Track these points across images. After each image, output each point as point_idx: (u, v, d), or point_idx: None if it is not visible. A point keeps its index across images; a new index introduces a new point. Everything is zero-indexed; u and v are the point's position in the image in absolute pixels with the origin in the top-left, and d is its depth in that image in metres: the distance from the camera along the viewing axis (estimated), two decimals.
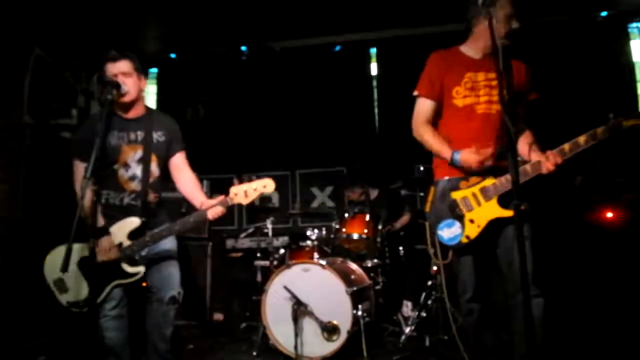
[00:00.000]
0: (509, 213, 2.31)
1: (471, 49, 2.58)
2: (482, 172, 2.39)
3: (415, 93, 2.64)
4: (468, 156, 2.37)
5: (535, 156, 2.40)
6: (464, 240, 2.40)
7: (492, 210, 2.37)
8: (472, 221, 2.39)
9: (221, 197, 2.65)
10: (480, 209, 2.39)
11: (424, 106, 2.61)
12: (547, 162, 2.32)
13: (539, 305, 2.31)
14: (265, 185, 2.65)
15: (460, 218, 2.42)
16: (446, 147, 2.47)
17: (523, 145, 2.53)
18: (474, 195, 2.42)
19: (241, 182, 2.67)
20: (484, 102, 2.49)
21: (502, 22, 2.39)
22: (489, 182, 2.40)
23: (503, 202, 2.36)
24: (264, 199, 5.99)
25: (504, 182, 2.34)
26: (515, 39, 2.46)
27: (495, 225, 2.38)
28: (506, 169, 2.32)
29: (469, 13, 2.54)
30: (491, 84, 2.49)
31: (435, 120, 2.62)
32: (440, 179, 2.54)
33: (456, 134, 2.52)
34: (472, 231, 2.39)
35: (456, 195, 2.45)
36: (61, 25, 4.76)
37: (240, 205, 2.69)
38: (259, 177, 2.70)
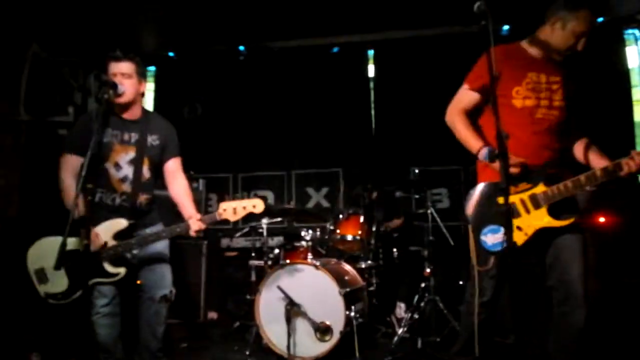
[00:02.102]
0: (559, 223, 2.28)
1: (534, 47, 2.49)
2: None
3: (466, 86, 2.54)
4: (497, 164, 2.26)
5: (597, 160, 2.37)
6: None
7: (541, 218, 2.29)
8: (519, 228, 2.31)
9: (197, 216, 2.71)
10: (529, 216, 2.31)
11: (467, 96, 2.53)
12: (632, 162, 2.17)
13: (584, 315, 2.28)
14: (254, 205, 2.67)
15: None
16: (476, 139, 2.40)
17: (580, 150, 2.48)
18: (523, 201, 2.33)
19: (233, 198, 2.71)
20: (544, 106, 2.42)
21: (569, 35, 2.36)
22: (539, 189, 2.31)
23: (553, 211, 2.29)
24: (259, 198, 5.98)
25: (556, 191, 2.26)
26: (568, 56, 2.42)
27: (542, 235, 2.31)
28: (559, 178, 2.28)
29: (549, 9, 2.44)
30: (552, 87, 2.43)
31: (474, 117, 2.56)
32: (486, 182, 2.46)
33: (514, 137, 2.34)
34: (519, 239, 2.31)
35: (503, 200, 2.38)
36: (59, 22, 4.76)
37: (234, 196, 2.73)
38: (248, 197, 2.72)
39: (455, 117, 2.53)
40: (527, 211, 2.33)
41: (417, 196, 4.87)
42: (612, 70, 5.58)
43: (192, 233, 2.66)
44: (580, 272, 2.30)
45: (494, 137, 2.14)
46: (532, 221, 2.31)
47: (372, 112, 6.19)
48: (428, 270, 4.21)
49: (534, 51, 2.48)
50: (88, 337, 2.76)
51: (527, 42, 2.52)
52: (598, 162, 2.37)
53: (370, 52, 6.29)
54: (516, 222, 2.33)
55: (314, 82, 6.23)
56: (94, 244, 2.60)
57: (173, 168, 2.94)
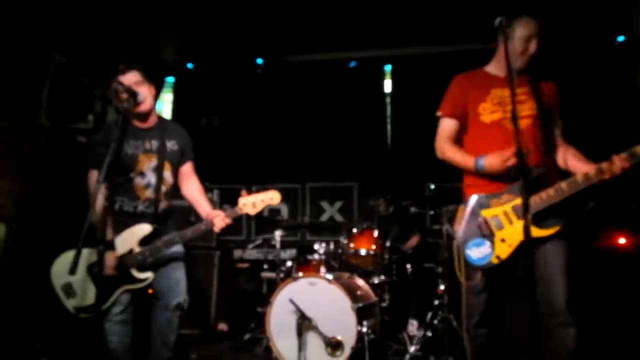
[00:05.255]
0: (543, 232, 2.28)
1: (495, 68, 2.59)
2: (510, 174, 2.29)
3: (438, 114, 2.65)
4: (492, 160, 2.33)
5: (580, 165, 2.37)
6: (495, 260, 2.32)
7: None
8: (503, 240, 2.32)
9: (219, 212, 2.76)
10: (512, 227, 2.31)
11: (446, 126, 2.61)
12: (613, 168, 2.20)
13: (572, 334, 2.22)
14: (272, 197, 2.75)
15: (490, 237, 2.34)
16: (469, 157, 2.45)
17: (562, 158, 2.50)
18: (505, 213, 2.33)
19: (249, 193, 2.74)
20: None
21: (519, 43, 2.42)
22: (521, 200, 2.33)
23: (537, 221, 2.28)
24: (272, 211, 6.00)
25: (538, 200, 2.27)
26: (538, 60, 2.48)
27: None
28: (539, 187, 2.29)
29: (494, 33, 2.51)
30: (519, 99, 2.45)
31: (459, 140, 2.62)
32: (471, 197, 2.47)
33: (485, 150, 2.45)
34: (504, 251, 2.31)
35: (487, 213, 2.37)
36: (81, 32, 4.86)
37: (248, 216, 2.75)
38: (265, 189, 2.78)
39: (443, 147, 2.59)
40: (510, 222, 2.33)
41: (432, 212, 4.83)
42: (633, 88, 5.52)
43: (216, 229, 2.72)
44: (562, 289, 2.26)
45: (484, 153, 2.35)
46: (516, 232, 2.30)
47: (388, 127, 6.18)
48: (442, 287, 4.15)
49: (495, 71, 2.57)
50: (98, 344, 2.75)
51: (489, 65, 2.62)
52: (581, 167, 2.37)
53: (388, 67, 6.30)
54: (500, 234, 2.34)
55: (330, 96, 6.24)
56: (109, 269, 2.61)
57: (188, 171, 3.01)
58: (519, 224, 2.29)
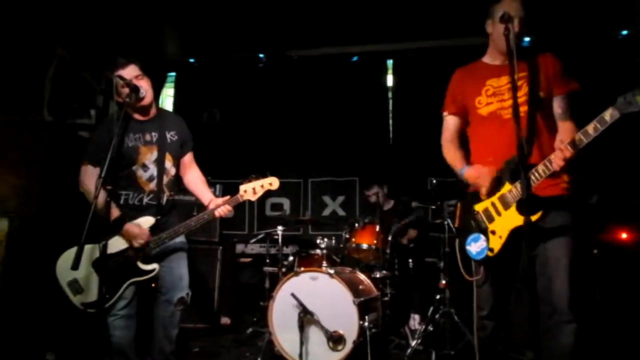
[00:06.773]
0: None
1: (490, 56, 2.57)
2: (509, 166, 2.27)
3: (443, 112, 2.70)
4: (470, 172, 2.40)
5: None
6: (489, 253, 2.31)
7: (512, 218, 2.24)
8: (493, 233, 2.31)
9: (226, 198, 2.83)
10: (501, 218, 2.29)
11: (447, 123, 2.67)
12: (556, 157, 2.15)
13: (571, 330, 2.20)
14: (271, 183, 2.82)
15: (484, 231, 2.35)
16: (458, 163, 2.51)
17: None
18: (494, 205, 2.33)
19: (249, 180, 2.80)
20: (509, 106, 2.35)
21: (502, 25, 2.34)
22: (506, 188, 2.29)
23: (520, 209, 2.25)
24: (275, 205, 6.01)
25: (519, 187, 2.20)
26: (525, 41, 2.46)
27: (520, 236, 2.21)
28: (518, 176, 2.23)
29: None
30: (516, 85, 2.37)
31: (464, 135, 2.65)
32: (468, 192, 2.50)
33: (485, 142, 2.49)
34: (495, 243, 2.30)
35: (478, 207, 2.39)
36: (84, 26, 4.86)
37: (250, 208, 2.78)
38: (264, 175, 2.84)
39: (443, 148, 2.66)
40: (499, 213, 2.31)
41: (433, 207, 4.83)
42: (636, 82, 5.49)
43: (217, 214, 2.77)
44: (564, 286, 2.23)
45: (481, 155, 2.45)
46: (505, 223, 2.28)
47: (390, 121, 6.18)
48: (443, 282, 4.16)
49: (491, 60, 2.56)
50: (102, 338, 2.76)
51: (485, 55, 2.60)
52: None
53: (390, 62, 6.28)
54: (491, 226, 2.33)
55: (332, 90, 6.23)
56: (142, 237, 2.64)
57: (189, 161, 3.06)
58: (506, 214, 2.28)
